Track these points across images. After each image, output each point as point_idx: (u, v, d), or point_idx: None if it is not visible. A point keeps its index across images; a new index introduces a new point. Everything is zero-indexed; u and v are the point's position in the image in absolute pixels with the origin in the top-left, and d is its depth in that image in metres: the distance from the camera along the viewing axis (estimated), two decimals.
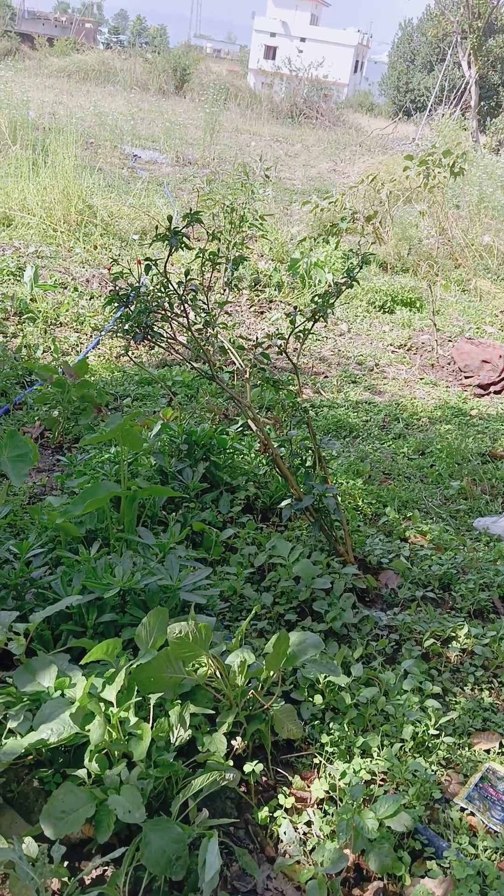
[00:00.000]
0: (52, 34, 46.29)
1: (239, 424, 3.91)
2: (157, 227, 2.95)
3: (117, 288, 2.83)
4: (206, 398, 4.69)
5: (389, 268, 9.34)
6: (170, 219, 2.74)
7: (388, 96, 41.65)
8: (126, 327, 2.71)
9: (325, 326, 7.02)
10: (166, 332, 3.07)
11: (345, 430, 4.77)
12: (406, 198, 10.14)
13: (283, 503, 3.10)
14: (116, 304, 2.84)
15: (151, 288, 2.81)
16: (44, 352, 5.18)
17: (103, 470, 3.09)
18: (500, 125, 21.95)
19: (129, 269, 3.10)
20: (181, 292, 2.75)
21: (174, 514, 3.10)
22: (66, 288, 6.51)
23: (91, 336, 5.75)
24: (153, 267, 2.66)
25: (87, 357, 5.33)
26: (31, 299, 5.93)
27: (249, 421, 3.13)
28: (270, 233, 9.02)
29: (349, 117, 28.85)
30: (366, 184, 9.27)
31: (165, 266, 2.65)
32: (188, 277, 2.80)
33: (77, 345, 5.52)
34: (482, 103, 25.68)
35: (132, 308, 2.80)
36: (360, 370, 6.10)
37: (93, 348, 5.53)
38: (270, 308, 7.37)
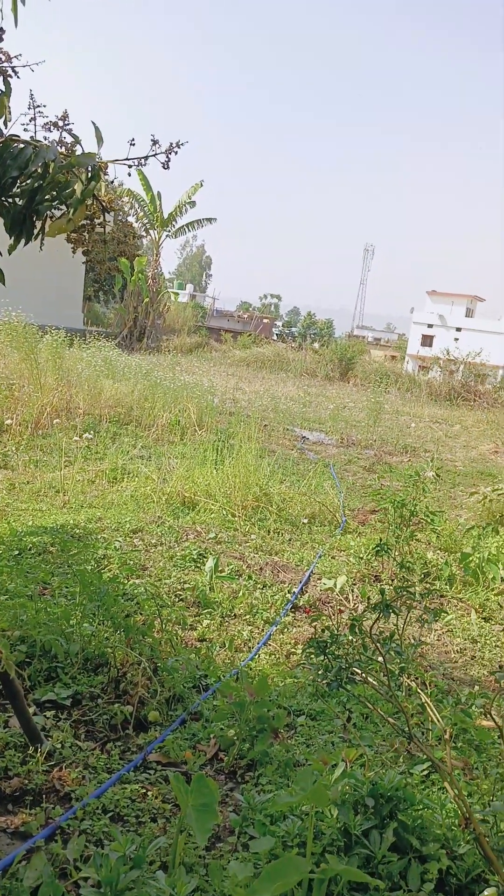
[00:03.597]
0: (236, 329, 54.80)
1: (423, 767, 3.60)
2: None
3: (317, 634, 2.88)
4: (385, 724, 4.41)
5: None
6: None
7: None
8: (328, 680, 2.70)
9: None
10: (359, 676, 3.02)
11: None
12: None
13: (486, 892, 2.70)
14: (311, 651, 2.86)
15: (350, 639, 2.83)
16: (220, 647, 5.27)
17: (285, 827, 2.88)
18: None
19: (328, 617, 3.17)
20: (383, 650, 2.74)
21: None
22: (240, 576, 6.79)
23: (263, 630, 5.81)
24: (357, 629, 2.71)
25: (259, 656, 5.34)
26: (209, 589, 6.22)
27: (447, 784, 2.86)
28: (437, 522, 9.11)
29: None
30: None
31: (371, 629, 2.69)
32: (391, 637, 2.81)
33: (249, 640, 5.57)
34: None
35: (330, 656, 2.81)
36: None
37: (263, 644, 5.56)
38: (441, 605, 7.15)
